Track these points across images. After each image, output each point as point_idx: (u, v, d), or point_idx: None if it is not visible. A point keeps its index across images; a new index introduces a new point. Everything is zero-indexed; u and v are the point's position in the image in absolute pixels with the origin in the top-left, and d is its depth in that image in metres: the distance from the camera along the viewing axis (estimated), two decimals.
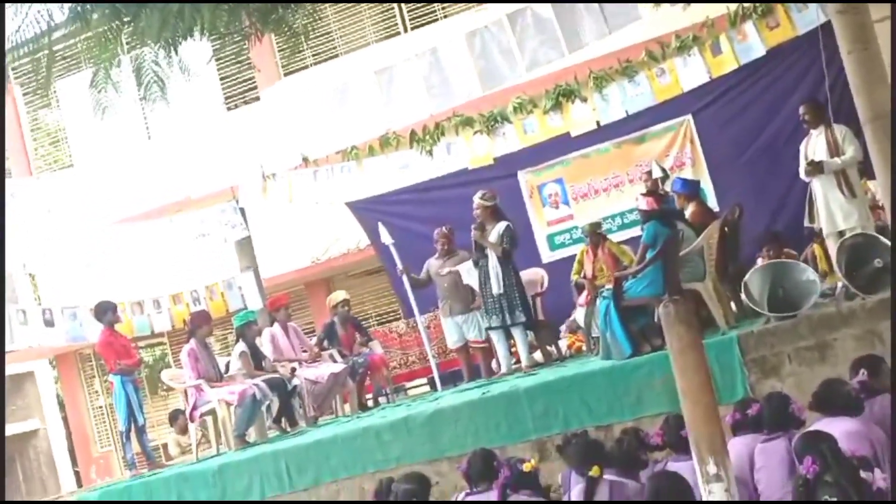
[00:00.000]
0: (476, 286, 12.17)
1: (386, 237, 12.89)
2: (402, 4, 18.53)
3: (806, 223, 11.17)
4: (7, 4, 8.74)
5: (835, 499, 4.80)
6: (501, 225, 11.82)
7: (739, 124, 13.44)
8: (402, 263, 12.73)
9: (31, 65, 9.83)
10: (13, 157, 21.92)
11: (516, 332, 11.87)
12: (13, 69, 11.20)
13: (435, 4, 18.43)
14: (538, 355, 12.40)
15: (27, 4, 8.64)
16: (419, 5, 18.52)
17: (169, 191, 14.92)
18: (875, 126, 9.07)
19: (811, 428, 6.49)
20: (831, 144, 10.60)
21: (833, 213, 10.54)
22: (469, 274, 12.26)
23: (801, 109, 11.08)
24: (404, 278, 12.70)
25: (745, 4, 12.73)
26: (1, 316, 13.07)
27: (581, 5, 12.09)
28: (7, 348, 14.48)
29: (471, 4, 17.89)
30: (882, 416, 6.64)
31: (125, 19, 9.03)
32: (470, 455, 7.45)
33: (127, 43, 9.65)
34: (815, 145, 10.82)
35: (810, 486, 5.19)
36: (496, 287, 11.72)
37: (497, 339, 12.04)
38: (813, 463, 5.20)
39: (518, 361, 12.07)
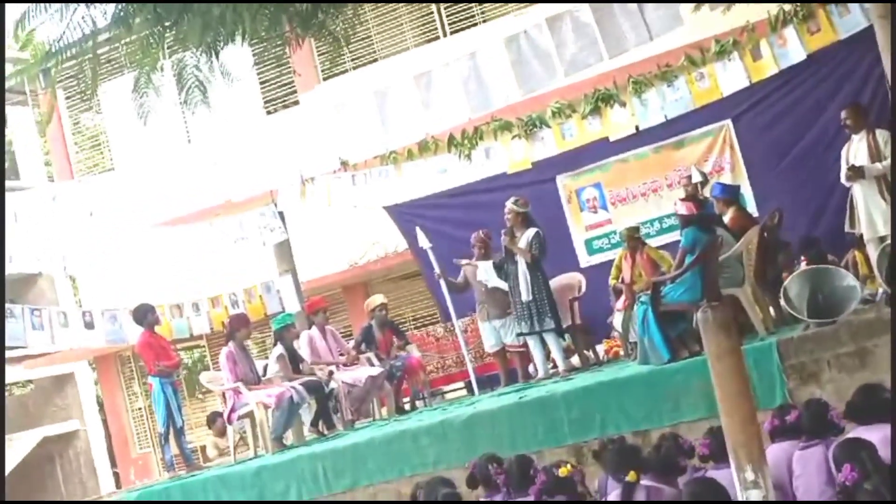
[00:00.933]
0: (489, 285, 12.21)
1: (424, 241, 12.91)
2: (442, 9, 18.56)
3: (847, 228, 11.10)
4: (53, 6, 8.81)
5: None
6: (531, 231, 11.83)
7: (779, 129, 13.36)
8: (440, 267, 12.74)
9: (74, 69, 9.93)
10: (56, 160, 22.16)
11: (549, 338, 11.86)
12: (56, 73, 11.26)
13: (474, 8, 18.44)
14: (575, 360, 12.39)
15: (72, 8, 8.71)
16: (459, 9, 18.54)
17: (208, 194, 14.97)
18: None
19: (850, 435, 6.45)
20: (873, 149, 10.52)
21: (874, 218, 10.46)
22: (486, 272, 12.24)
23: (843, 114, 11.00)
24: (441, 282, 12.71)
25: (786, 8, 12.68)
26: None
27: (621, 11, 12.05)
28: (48, 349, 14.62)
29: (510, 8, 17.90)
30: None
31: (167, 24, 9.10)
32: (476, 462, 7.56)
33: (168, 48, 9.71)
34: (856, 150, 10.75)
35: (849, 494, 5.15)
36: (525, 294, 11.73)
37: (533, 344, 12.04)
38: (852, 470, 5.17)
39: (555, 366, 12.07)
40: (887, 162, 10.37)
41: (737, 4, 12.56)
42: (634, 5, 11.88)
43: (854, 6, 12.14)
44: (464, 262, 12.70)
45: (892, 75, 8.93)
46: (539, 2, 16.75)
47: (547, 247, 11.93)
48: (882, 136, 10.51)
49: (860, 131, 10.76)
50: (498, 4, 18.18)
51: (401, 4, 18.67)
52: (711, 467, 6.95)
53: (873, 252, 10.24)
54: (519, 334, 12.08)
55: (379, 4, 18.48)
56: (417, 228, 13.16)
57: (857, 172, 10.53)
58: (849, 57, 12.57)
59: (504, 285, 12.12)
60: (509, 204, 12.01)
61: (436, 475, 8.16)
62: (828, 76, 12.92)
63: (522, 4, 17.62)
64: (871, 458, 5.42)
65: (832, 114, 12.67)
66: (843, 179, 10.84)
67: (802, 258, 11.36)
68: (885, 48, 9.10)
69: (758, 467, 5.00)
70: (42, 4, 8.77)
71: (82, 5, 8.78)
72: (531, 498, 6.89)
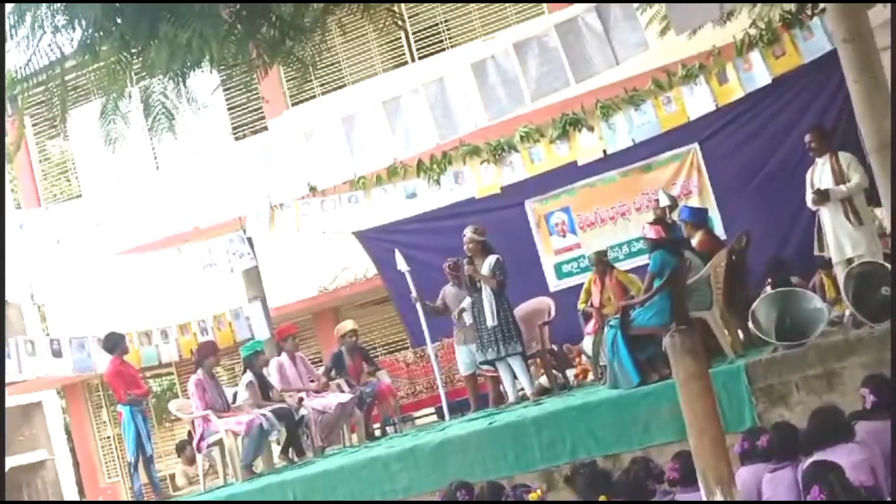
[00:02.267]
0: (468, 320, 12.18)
1: (402, 264, 12.86)
2: (410, 34, 18.60)
3: (816, 251, 11.15)
4: (18, 34, 8.77)
5: None
6: (492, 258, 11.84)
7: (746, 152, 13.44)
8: (416, 291, 12.71)
9: (41, 96, 9.89)
10: (22, 188, 22.02)
11: (514, 363, 11.84)
12: (21, 100, 11.23)
13: (442, 34, 18.51)
14: (543, 380, 12.39)
15: (37, 37, 8.68)
16: (427, 35, 18.60)
17: (177, 221, 14.90)
18: (881, 155, 9.08)
19: (818, 457, 6.47)
20: (836, 172, 10.58)
21: (841, 241, 10.51)
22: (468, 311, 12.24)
23: (808, 137, 11.07)
24: (418, 306, 12.68)
25: (751, 32, 12.80)
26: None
27: (588, 35, 12.09)
28: (15, 378, 14.49)
29: (477, 33, 17.99)
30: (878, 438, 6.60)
31: (134, 51, 9.08)
32: (445, 490, 7.54)
33: (136, 74, 9.68)
34: (820, 173, 10.80)
35: None
36: (490, 320, 11.73)
37: (502, 369, 12.02)
38: (820, 492, 5.18)
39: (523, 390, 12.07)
40: (851, 184, 10.43)
41: (702, 28, 12.64)
42: (601, 28, 11.92)
43: (818, 30, 12.26)
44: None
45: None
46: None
47: (507, 273, 11.93)
48: (845, 158, 10.57)
49: (824, 154, 10.81)
50: (466, 29, 18.26)
51: (370, 29, 18.71)
52: (680, 491, 6.97)
53: (841, 275, 10.29)
54: (483, 362, 12.08)
55: (348, 30, 18.53)
56: (396, 251, 13.08)
57: (822, 196, 10.58)
58: (813, 80, 12.68)
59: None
60: (469, 232, 12.02)
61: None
62: (793, 99, 13.02)
63: (491, 29, 17.75)
64: (839, 480, 5.44)
65: (798, 136, 12.72)
66: (808, 203, 10.90)
67: (768, 282, 11.41)
68: (849, 70, 9.17)
69: (727, 490, 5.00)
70: (8, 29, 8.72)
71: (48, 32, 8.74)
72: None
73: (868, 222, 10.44)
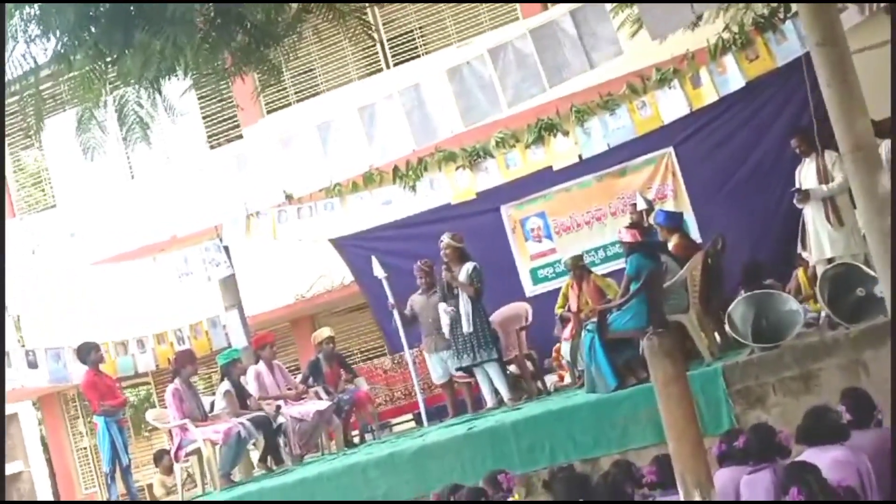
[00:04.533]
0: (446, 331, 12.16)
1: (378, 271, 12.83)
2: (385, 41, 18.61)
3: (799, 250, 11.21)
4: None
5: None
6: (469, 265, 11.85)
7: (720, 156, 13.48)
8: (393, 298, 12.69)
9: (15, 105, 9.84)
10: None
11: (491, 369, 11.84)
12: None
13: (417, 40, 18.53)
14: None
15: (10, 48, 8.64)
16: (401, 41, 18.62)
17: (152, 230, 14.87)
18: (856, 157, 9.09)
19: (798, 458, 6.50)
20: (821, 172, 10.65)
21: (821, 240, 10.58)
22: (445, 315, 12.20)
23: (794, 142, 11.15)
24: (395, 312, 12.66)
25: (725, 36, 12.85)
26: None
27: (563, 39, 12.11)
28: None
29: (452, 39, 18.01)
30: (872, 448, 6.62)
31: (108, 60, 9.05)
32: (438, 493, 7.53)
33: (110, 83, 9.65)
34: (806, 172, 10.87)
35: None
36: (466, 326, 11.73)
37: (480, 374, 12.02)
38: (799, 493, 5.20)
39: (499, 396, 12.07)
40: (833, 184, 10.50)
41: (676, 33, 12.68)
42: (575, 33, 11.95)
43: (791, 34, 12.32)
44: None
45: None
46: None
47: (484, 281, 11.93)
48: (830, 157, 10.63)
49: (811, 154, 10.90)
50: (440, 36, 18.28)
51: (344, 37, 18.70)
52: (659, 494, 6.98)
53: (820, 273, 10.32)
54: (459, 368, 12.08)
55: (323, 38, 18.52)
56: (373, 258, 13.08)
57: (804, 195, 10.66)
58: (786, 83, 12.73)
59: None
60: (446, 239, 12.01)
61: None
62: (767, 102, 13.07)
63: (465, 35, 17.77)
64: (816, 481, 5.45)
65: (772, 139, 12.84)
66: (795, 202, 10.95)
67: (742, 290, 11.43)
68: (822, 74, 9.20)
69: (706, 492, 5.01)
70: None
71: (21, 42, 8.70)
72: None
73: (851, 223, 10.49)
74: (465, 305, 11.72)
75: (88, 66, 9.10)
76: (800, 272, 11.74)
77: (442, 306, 12.09)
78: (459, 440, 10.23)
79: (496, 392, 12.04)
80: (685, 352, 9.37)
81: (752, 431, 7.04)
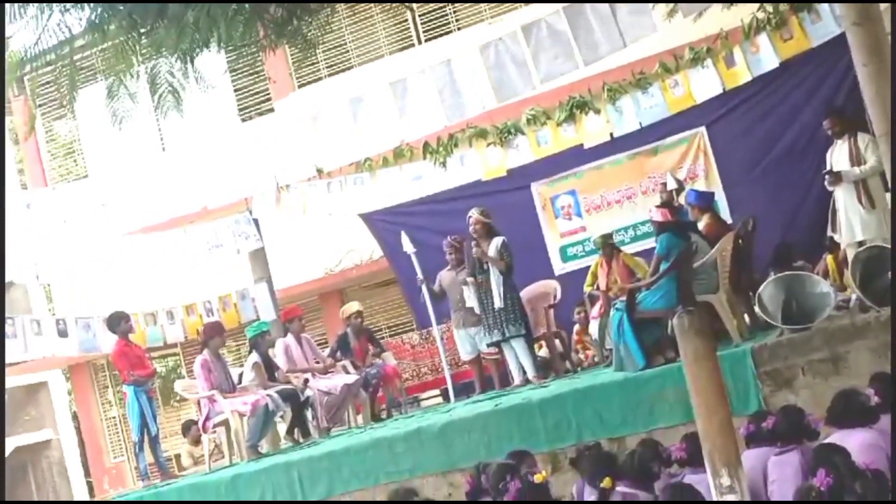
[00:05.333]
0: (475, 305, 12.14)
1: (408, 246, 12.84)
2: (417, 16, 18.56)
3: (829, 232, 11.14)
4: (28, 13, 8.77)
5: None
6: (498, 240, 11.80)
7: (752, 136, 13.41)
8: (423, 273, 12.69)
9: (48, 76, 9.89)
10: (29, 168, 22.03)
11: (518, 345, 11.82)
12: (30, 80, 11.26)
13: (449, 16, 18.45)
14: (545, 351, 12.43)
15: (45, 17, 8.67)
16: (434, 17, 18.55)
17: (183, 202, 14.91)
18: (889, 139, 9.04)
19: (826, 440, 6.48)
20: (853, 154, 10.55)
21: (852, 223, 10.50)
22: (469, 289, 12.18)
23: (826, 123, 11.05)
24: (423, 288, 12.67)
25: (759, 16, 12.74)
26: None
27: (595, 18, 12.05)
28: (21, 358, 14.52)
29: (485, 16, 17.93)
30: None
31: (142, 30, 9.07)
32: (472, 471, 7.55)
33: (143, 54, 9.67)
34: (838, 154, 10.78)
35: (824, 499, 5.16)
36: (498, 301, 11.69)
37: (508, 351, 12.02)
38: (826, 475, 5.18)
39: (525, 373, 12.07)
40: (866, 166, 10.40)
41: (710, 11, 12.60)
42: (608, 10, 11.89)
43: (826, 14, 12.21)
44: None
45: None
46: (515, 1, 16.82)
47: (513, 255, 11.91)
48: (863, 140, 10.54)
49: (843, 136, 10.79)
50: (473, 11, 18.19)
51: (377, 11, 18.68)
52: (689, 472, 6.98)
53: (851, 256, 10.26)
54: (490, 344, 12.07)
55: (355, 12, 18.50)
56: (402, 233, 13.08)
57: (836, 177, 10.56)
58: (822, 64, 12.64)
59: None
60: (474, 214, 11.95)
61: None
62: (801, 83, 12.99)
63: (498, 11, 17.66)
64: (844, 463, 5.44)
65: (805, 121, 12.76)
66: (826, 184, 10.87)
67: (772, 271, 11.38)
68: (858, 54, 9.12)
69: (734, 472, 5.00)
70: (16, 9, 8.71)
71: (57, 11, 8.73)
72: None
73: (882, 206, 10.40)
74: (495, 280, 11.69)
75: (122, 37, 9.13)
76: (829, 258, 11.67)
77: (467, 280, 12.07)
78: (486, 416, 10.23)
79: (523, 369, 12.04)
80: (714, 333, 9.33)
81: (781, 413, 7.02)
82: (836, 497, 5.11)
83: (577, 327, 13.41)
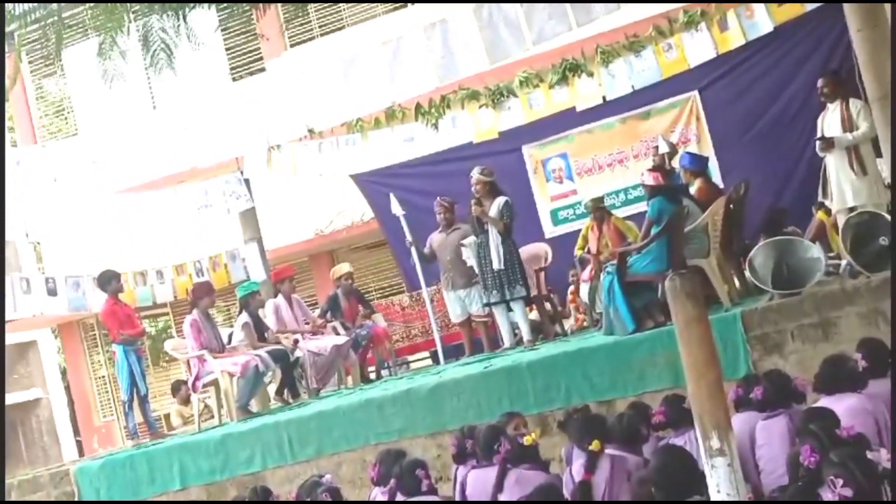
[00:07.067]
0: (475, 265, 12.12)
1: (397, 208, 12.83)
2: None
3: (819, 197, 11.12)
4: None
5: (840, 479, 4.74)
6: (500, 200, 11.77)
7: (746, 101, 13.37)
8: (412, 235, 12.68)
9: (37, 32, 9.81)
10: (19, 125, 21.91)
11: (516, 307, 11.84)
12: (18, 36, 11.15)
13: None
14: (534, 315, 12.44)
15: None
16: None
17: (173, 161, 14.84)
18: (883, 104, 9.04)
19: (814, 405, 6.50)
20: (845, 119, 10.51)
21: (843, 189, 10.46)
22: (470, 250, 12.17)
23: (820, 82, 10.97)
24: (413, 250, 12.66)
25: None
26: (1, 293, 13.07)
27: None
28: (10, 317, 14.49)
29: None
30: (889, 397, 6.61)
31: None
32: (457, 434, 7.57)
33: (133, 11, 9.59)
34: (830, 120, 10.74)
35: (812, 475, 5.15)
36: (497, 262, 11.67)
37: (499, 313, 12.03)
38: (812, 452, 5.18)
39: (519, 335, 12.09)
40: (857, 132, 10.36)
41: None
42: None
43: None
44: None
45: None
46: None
47: (514, 215, 11.89)
48: (855, 106, 10.49)
49: (835, 101, 10.74)
50: None
51: None
52: (673, 435, 7.01)
53: (842, 222, 10.26)
54: (486, 304, 12.06)
55: None
56: (391, 195, 13.06)
57: (828, 143, 10.52)
58: (815, 29, 12.59)
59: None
60: (476, 174, 11.93)
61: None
62: (794, 48, 12.94)
63: None
64: (826, 429, 5.45)
65: (798, 86, 12.73)
66: (817, 150, 10.84)
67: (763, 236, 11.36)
68: (852, 19, 9.09)
69: (724, 435, 4.99)
70: None
71: None
72: (496, 466, 6.91)
73: (874, 172, 10.38)
74: (494, 241, 11.66)
75: None
76: (821, 216, 11.63)
77: (468, 240, 12.05)
78: (476, 378, 10.26)
79: (514, 332, 12.05)
80: (704, 297, 9.34)
81: (766, 378, 7.04)
82: (826, 464, 5.10)
83: (571, 288, 13.42)
